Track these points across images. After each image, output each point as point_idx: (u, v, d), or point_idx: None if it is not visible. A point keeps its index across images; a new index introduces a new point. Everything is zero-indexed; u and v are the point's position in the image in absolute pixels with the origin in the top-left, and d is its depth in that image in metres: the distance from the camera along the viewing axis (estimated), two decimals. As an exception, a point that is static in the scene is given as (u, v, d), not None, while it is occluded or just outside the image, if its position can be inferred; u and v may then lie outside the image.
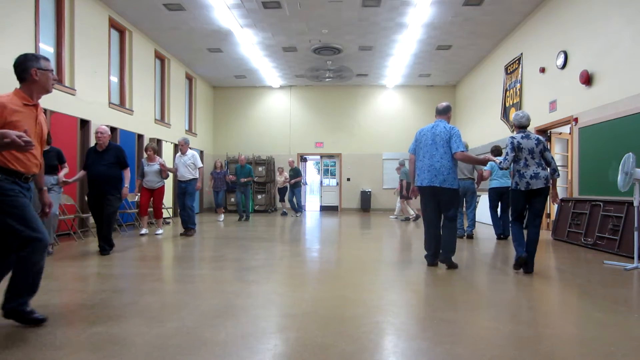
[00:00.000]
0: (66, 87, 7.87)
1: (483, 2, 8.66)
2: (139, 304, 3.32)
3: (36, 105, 2.79)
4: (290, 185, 13.39)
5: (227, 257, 5.67)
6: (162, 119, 12.03)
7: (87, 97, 8.43)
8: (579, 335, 2.74)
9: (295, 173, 13.37)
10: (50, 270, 4.63)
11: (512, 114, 5.17)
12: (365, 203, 15.42)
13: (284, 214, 13.71)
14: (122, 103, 9.94)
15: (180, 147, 8.15)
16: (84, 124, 8.32)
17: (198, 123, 14.67)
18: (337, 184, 16.22)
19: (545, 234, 8.18)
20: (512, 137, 4.80)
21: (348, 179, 15.94)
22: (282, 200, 13.92)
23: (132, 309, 3.17)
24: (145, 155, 7.96)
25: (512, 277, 4.51)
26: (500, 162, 4.87)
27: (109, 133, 5.75)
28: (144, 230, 7.91)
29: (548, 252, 6.20)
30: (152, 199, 7.89)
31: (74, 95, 8.04)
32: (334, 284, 4.17)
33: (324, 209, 16.18)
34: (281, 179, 13.65)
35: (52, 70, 2.85)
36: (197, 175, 8.08)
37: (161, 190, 7.90)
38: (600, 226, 6.32)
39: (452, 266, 4.83)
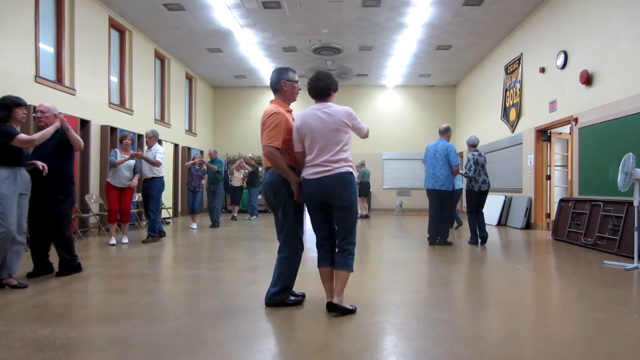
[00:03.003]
0: (66, 87, 7.86)
1: (483, 2, 8.66)
2: (139, 304, 3.32)
3: (290, 111, 3.28)
4: (247, 185, 11.59)
5: (226, 257, 5.67)
6: (162, 119, 12.03)
7: (87, 97, 8.42)
8: (579, 335, 2.74)
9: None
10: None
11: (468, 136, 6.56)
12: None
13: (234, 218, 11.58)
14: (122, 103, 9.94)
15: (146, 140, 7.11)
16: (84, 124, 8.31)
17: (198, 123, 14.67)
18: (337, 184, 16.19)
19: (545, 234, 8.19)
20: (472, 154, 6.83)
21: (348, 179, 15.90)
22: (235, 202, 11.76)
23: (132, 309, 3.16)
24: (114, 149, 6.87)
25: (511, 277, 4.51)
26: (466, 172, 6.78)
27: (56, 111, 4.28)
28: (112, 240, 6.53)
29: (548, 252, 6.20)
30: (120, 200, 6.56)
31: (74, 95, 8.04)
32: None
33: (324, 209, 16.15)
34: (240, 175, 11.30)
35: (298, 82, 3.30)
36: (161, 174, 6.91)
37: (131, 189, 6.65)
38: (600, 226, 6.31)
39: (447, 244, 6.52)
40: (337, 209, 3.03)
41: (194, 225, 9.23)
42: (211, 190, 9.77)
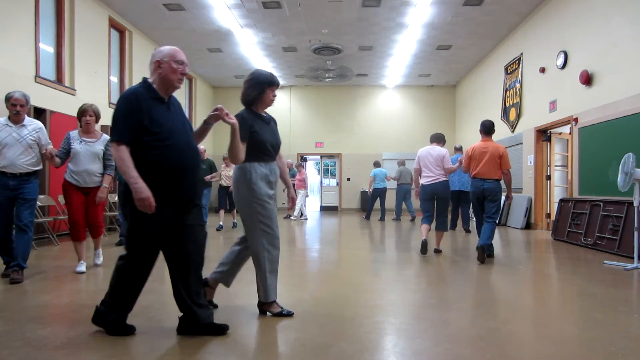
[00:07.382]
0: (66, 87, 7.87)
1: (483, 2, 8.66)
2: (139, 304, 3.30)
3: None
4: (204, 183, 8.36)
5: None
6: (162, 119, 12.02)
7: (87, 97, 8.39)
8: (579, 335, 2.74)
9: (210, 167, 8.63)
10: (51, 270, 4.63)
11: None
12: (365, 203, 15.35)
13: (235, 225, 9.31)
14: (122, 103, 9.94)
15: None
16: (84, 124, 8.32)
17: (198, 123, 14.61)
18: (337, 184, 16.21)
19: (545, 234, 8.19)
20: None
21: (348, 179, 15.93)
22: (224, 206, 9.13)
23: (132, 308, 3.16)
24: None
25: (512, 277, 4.50)
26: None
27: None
28: (81, 267, 4.36)
29: (548, 252, 6.20)
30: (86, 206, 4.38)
31: (74, 95, 8.04)
32: (334, 284, 4.17)
33: (324, 209, 16.17)
34: (229, 172, 8.77)
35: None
36: (39, 166, 4.23)
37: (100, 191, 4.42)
38: (600, 226, 6.31)
39: (469, 231, 8.35)
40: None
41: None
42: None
